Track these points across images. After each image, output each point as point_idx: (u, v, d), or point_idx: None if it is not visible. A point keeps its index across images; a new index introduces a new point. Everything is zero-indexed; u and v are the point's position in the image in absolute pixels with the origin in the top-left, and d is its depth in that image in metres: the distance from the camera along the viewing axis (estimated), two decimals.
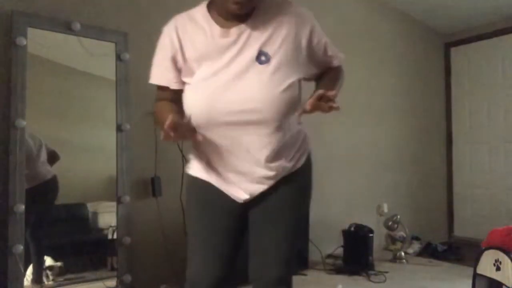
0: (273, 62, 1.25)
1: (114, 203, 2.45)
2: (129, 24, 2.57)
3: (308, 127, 1.41)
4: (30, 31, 2.20)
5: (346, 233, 3.36)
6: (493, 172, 4.42)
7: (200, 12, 1.32)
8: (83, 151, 2.44)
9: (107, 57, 2.48)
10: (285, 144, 1.33)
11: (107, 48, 2.48)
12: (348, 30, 3.85)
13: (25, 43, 2.17)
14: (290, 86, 1.26)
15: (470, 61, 4.67)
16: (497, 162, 4.40)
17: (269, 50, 1.26)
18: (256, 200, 1.35)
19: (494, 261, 2.15)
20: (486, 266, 2.20)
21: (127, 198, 2.45)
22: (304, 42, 1.31)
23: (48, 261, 2.26)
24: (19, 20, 2.17)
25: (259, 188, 1.33)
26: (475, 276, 2.26)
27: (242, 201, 1.34)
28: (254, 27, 1.26)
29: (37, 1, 2.27)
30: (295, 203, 1.39)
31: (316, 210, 3.41)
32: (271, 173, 1.31)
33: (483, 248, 2.26)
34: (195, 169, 1.39)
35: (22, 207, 2.11)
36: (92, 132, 2.50)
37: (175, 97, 1.34)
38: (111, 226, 2.48)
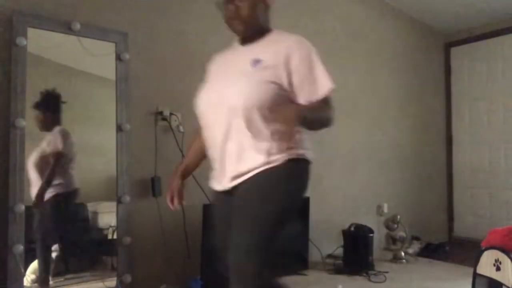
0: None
1: (114, 203, 2.45)
2: (129, 24, 2.57)
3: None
4: (30, 31, 2.20)
5: (346, 233, 3.36)
6: (493, 172, 4.41)
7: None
8: (83, 151, 2.44)
9: (107, 57, 2.48)
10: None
11: (107, 48, 2.48)
12: (348, 30, 3.85)
13: (25, 43, 2.17)
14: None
15: (470, 61, 4.66)
16: (497, 162, 4.39)
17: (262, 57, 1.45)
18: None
19: (494, 261, 2.15)
20: (486, 266, 2.20)
21: (127, 198, 2.45)
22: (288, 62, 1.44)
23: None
24: (19, 20, 2.17)
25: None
26: (475, 276, 2.26)
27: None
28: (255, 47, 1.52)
29: (37, 1, 2.27)
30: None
31: (316, 210, 3.41)
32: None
33: (483, 248, 2.26)
34: None
35: (22, 207, 2.11)
36: (92, 132, 2.50)
37: None
38: (111, 226, 2.48)
